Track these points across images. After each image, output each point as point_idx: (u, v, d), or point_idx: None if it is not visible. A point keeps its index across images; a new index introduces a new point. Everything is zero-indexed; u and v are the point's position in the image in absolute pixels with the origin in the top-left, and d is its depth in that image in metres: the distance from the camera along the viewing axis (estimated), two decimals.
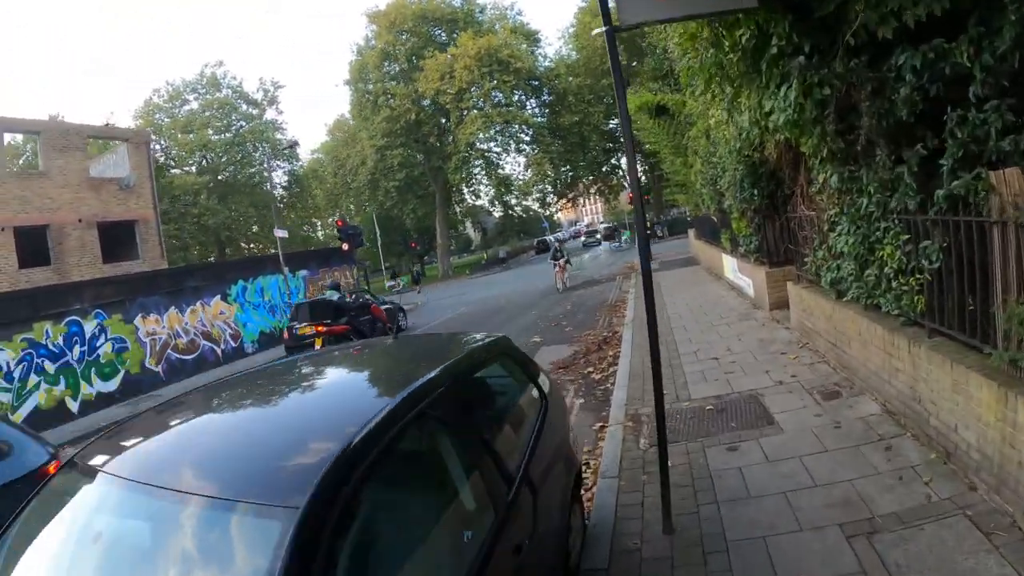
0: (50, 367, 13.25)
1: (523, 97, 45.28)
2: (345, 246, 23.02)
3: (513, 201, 49.93)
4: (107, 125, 23.55)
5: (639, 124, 21.81)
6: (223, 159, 44.84)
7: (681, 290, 13.59)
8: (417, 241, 50.10)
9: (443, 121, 43.40)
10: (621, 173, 53.23)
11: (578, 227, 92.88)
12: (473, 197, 52.34)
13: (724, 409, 5.23)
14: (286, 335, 14.38)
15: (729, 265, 12.02)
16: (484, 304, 20.21)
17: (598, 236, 53.61)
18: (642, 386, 6.38)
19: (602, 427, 5.65)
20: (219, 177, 46.19)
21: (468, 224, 71.00)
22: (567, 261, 20.46)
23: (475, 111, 39.96)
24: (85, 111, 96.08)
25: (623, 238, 45.24)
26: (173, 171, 42.13)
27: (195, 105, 44.68)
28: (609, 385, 7.07)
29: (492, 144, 44.78)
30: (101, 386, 14.57)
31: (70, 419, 13.15)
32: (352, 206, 49.43)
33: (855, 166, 4.36)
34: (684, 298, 12.23)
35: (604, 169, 51.86)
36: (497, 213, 53.39)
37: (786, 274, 8.08)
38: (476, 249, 71.17)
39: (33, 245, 19.02)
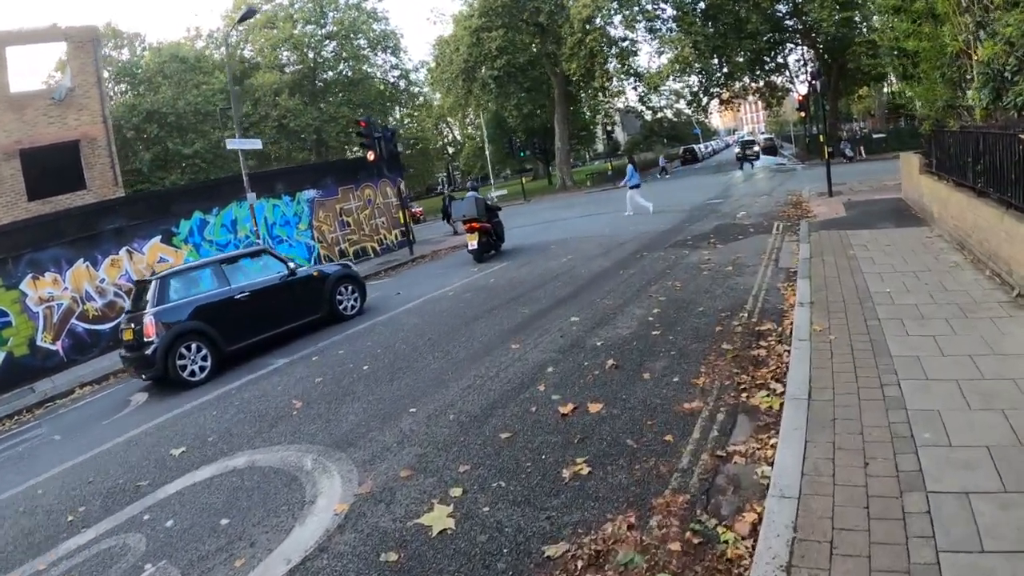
0: None
1: None
2: (370, 155, 16.54)
3: (663, 102, 39.66)
4: (53, 25, 18.80)
5: None
6: (312, 55, 40.15)
7: (929, 325, 5.05)
8: (525, 144, 41.78)
9: None
10: (788, 74, 40.02)
11: (738, 136, 77.42)
12: (609, 96, 42.41)
13: None
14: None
15: None
16: (535, 262, 12.72)
17: (756, 149, 41.21)
18: None
19: None
20: (319, 76, 41.88)
21: (600, 127, 61.22)
22: None
23: None
24: (160, 20, 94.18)
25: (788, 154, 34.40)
26: (268, 74, 38.23)
27: None
28: None
29: (618, 20, 34.74)
30: None
31: None
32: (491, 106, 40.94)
33: None
34: (970, 397, 4.17)
35: (768, 67, 39.09)
36: (647, 115, 43.22)
37: None
38: (622, 154, 61.46)
39: None
